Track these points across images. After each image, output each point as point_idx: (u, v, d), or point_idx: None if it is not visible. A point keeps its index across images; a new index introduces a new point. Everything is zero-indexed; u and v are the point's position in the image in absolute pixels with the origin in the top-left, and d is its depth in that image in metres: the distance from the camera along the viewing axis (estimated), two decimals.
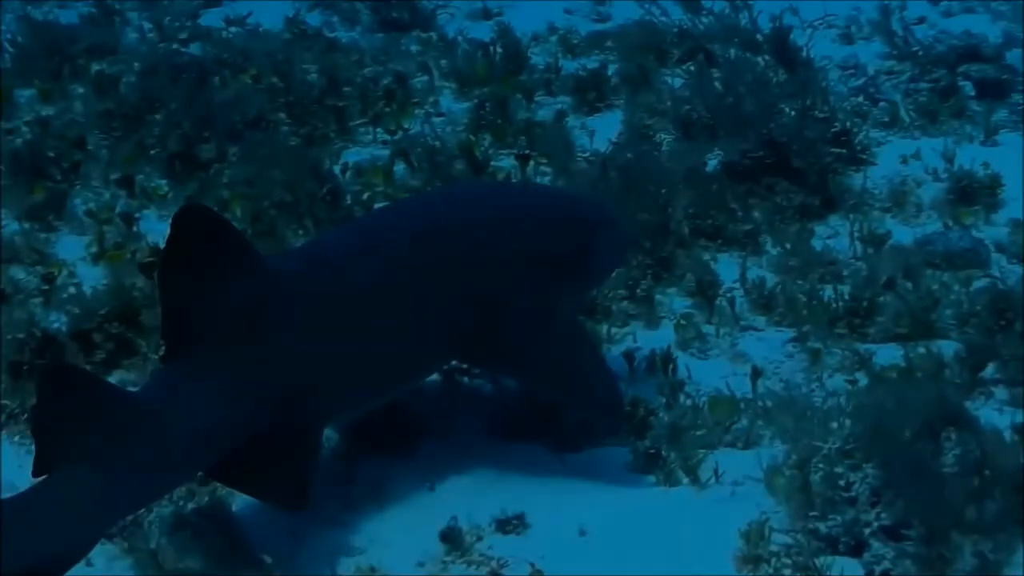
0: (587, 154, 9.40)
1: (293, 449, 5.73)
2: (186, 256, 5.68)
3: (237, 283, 5.71)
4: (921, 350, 6.89)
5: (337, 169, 9.06)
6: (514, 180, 9.02)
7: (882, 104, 10.11)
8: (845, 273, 7.87)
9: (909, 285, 7.58)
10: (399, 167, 9.17)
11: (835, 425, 5.93)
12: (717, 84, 9.65)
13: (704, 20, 11.27)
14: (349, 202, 8.58)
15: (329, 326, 6.00)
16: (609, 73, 10.61)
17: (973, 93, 10.38)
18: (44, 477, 5.30)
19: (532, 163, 9.06)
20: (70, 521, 5.24)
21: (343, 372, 6.04)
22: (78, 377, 5.46)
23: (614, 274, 7.45)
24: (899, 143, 9.51)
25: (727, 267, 8.00)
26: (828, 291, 7.51)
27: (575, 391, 6.45)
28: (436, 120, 10.09)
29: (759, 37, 10.98)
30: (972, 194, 8.60)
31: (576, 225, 6.86)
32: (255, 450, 5.67)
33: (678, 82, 10.24)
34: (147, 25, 12.38)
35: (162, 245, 7.50)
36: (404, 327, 6.22)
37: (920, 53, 10.68)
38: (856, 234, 8.15)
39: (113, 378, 6.86)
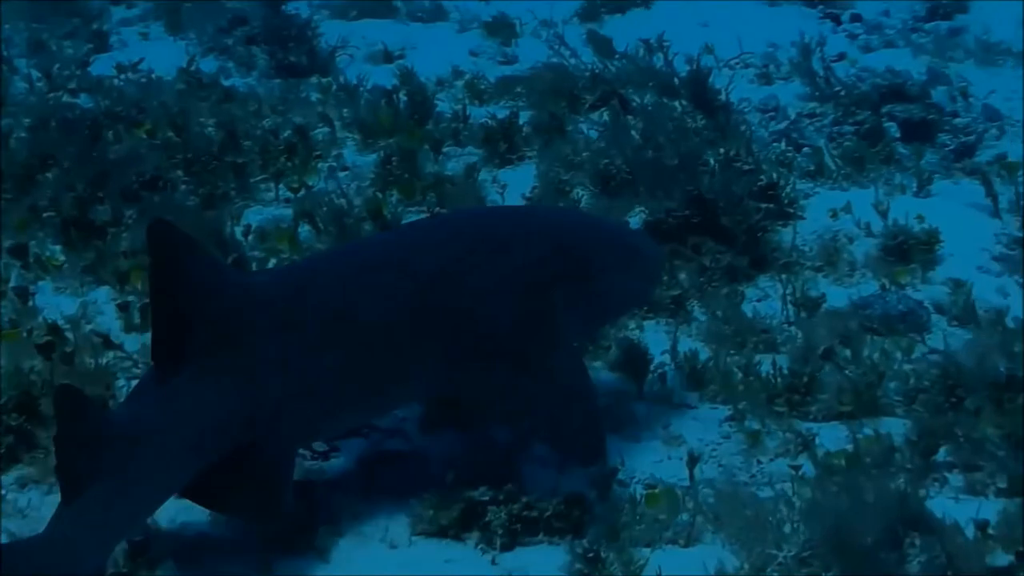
0: None
1: (267, 465, 5.76)
2: (161, 272, 5.79)
3: (208, 295, 5.80)
4: (868, 431, 6.51)
5: (240, 232, 8.50)
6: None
7: (806, 150, 9.76)
8: (780, 341, 7.45)
9: (848, 354, 7.20)
10: (304, 228, 8.63)
11: (788, 529, 5.54)
12: (635, 134, 9.22)
13: (617, 63, 10.81)
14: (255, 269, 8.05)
15: (301, 337, 5.99)
16: (520, 122, 10.06)
17: (899, 135, 9.99)
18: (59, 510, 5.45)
19: None
20: (81, 547, 5.33)
21: (318, 384, 6.00)
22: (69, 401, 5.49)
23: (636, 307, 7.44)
24: (828, 195, 9.13)
25: (655, 336, 7.58)
26: (765, 364, 7.10)
27: (558, 431, 6.42)
28: (340, 175, 9.56)
29: (676, 80, 10.52)
30: (908, 250, 8.23)
31: (591, 251, 6.77)
32: (229, 467, 5.70)
33: (594, 132, 9.79)
34: (35, 73, 11.75)
35: (59, 322, 7.36)
36: (382, 344, 6.16)
37: (842, 93, 10.32)
38: (789, 297, 7.76)
39: (11, 476, 6.49)
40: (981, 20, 11.93)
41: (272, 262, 8.22)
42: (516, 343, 6.36)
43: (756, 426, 6.82)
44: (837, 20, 12.03)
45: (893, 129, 10.12)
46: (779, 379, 7.00)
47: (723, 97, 10.32)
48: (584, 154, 9.47)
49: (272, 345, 5.90)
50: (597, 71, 10.70)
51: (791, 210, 8.81)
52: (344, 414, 6.30)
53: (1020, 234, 8.29)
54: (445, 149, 9.98)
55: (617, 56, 11.01)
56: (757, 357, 7.29)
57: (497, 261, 6.44)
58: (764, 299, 8.05)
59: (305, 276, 6.33)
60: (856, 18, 12.04)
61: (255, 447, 5.76)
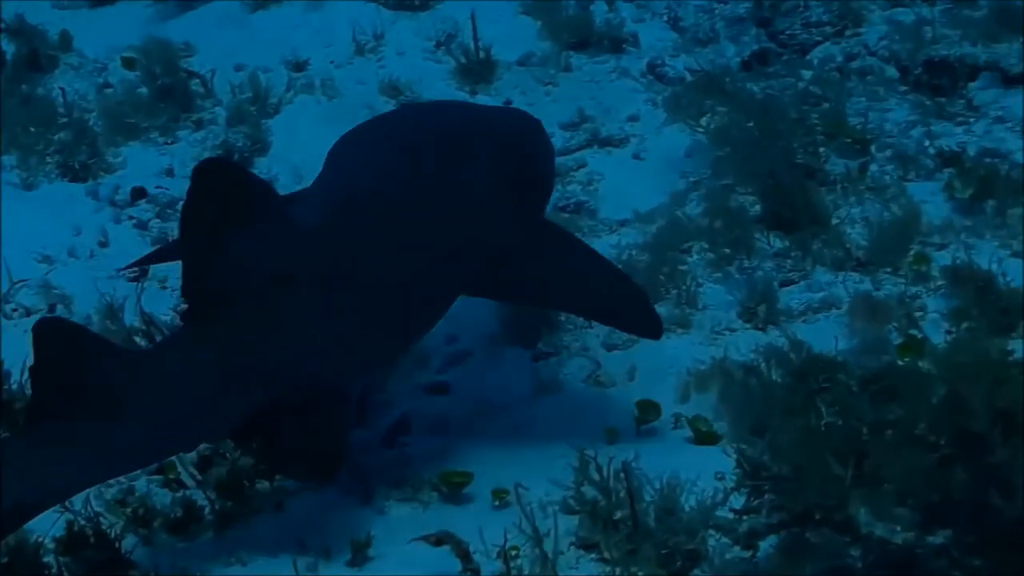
0: None
1: (324, 416, 5.88)
2: (209, 210, 5.82)
3: (261, 235, 5.88)
4: None
5: None
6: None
7: None
8: None
9: None
10: None
11: None
12: None
13: None
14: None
15: (352, 275, 6.22)
16: None
17: None
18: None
19: None
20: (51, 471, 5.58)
21: (370, 324, 6.25)
22: (72, 330, 5.90)
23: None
24: None
25: None
26: None
27: (604, 313, 7.13)
28: None
29: None
30: None
31: (523, 136, 7.36)
32: (281, 416, 5.82)
33: None
34: None
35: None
36: (421, 270, 6.47)
37: None
38: None
39: None
40: (286, 158, 9.43)
41: None
42: (522, 244, 6.89)
43: None
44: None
45: None
46: None
47: None
48: None
49: (321, 280, 6.09)
50: None
51: None
52: (395, 348, 6.76)
53: None
54: None
55: None
56: None
57: (480, 162, 6.91)
58: None
59: (332, 202, 6.52)
60: (139, 194, 9.16)
61: (309, 394, 5.82)
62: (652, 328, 7.11)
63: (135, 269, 8.56)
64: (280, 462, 6.13)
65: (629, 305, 7.08)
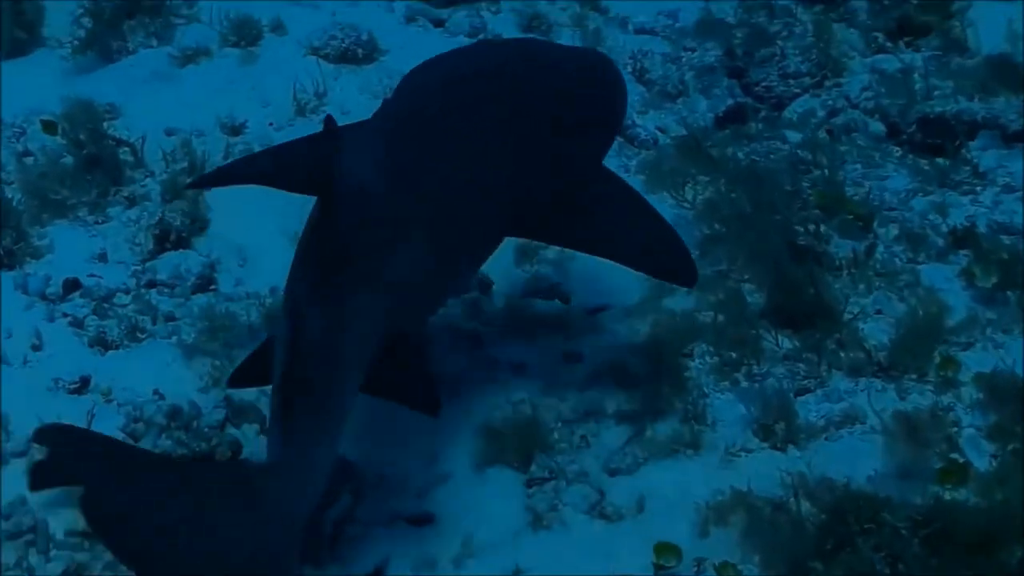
0: None
1: (407, 359, 6.15)
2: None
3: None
4: None
5: None
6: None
7: None
8: None
9: None
10: None
11: None
12: None
13: None
14: None
15: (422, 215, 6.33)
16: None
17: None
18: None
19: None
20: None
21: (433, 263, 6.36)
22: None
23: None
24: None
25: None
26: None
27: (644, 260, 7.01)
28: None
29: None
30: None
31: (596, 76, 7.35)
32: (383, 364, 6.04)
33: None
34: None
35: None
36: (477, 207, 6.61)
37: None
38: None
39: None
40: (227, 238, 8.58)
41: None
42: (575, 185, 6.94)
43: None
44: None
45: None
46: None
47: None
48: None
49: (395, 242, 6.19)
50: None
51: None
52: (452, 289, 7.25)
53: None
54: None
55: None
56: None
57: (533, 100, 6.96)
58: None
59: (404, 142, 6.57)
60: (72, 286, 8.30)
61: (403, 337, 6.12)
62: (688, 276, 7.00)
63: (76, 380, 7.70)
64: (398, 396, 6.28)
65: (666, 253, 6.98)
